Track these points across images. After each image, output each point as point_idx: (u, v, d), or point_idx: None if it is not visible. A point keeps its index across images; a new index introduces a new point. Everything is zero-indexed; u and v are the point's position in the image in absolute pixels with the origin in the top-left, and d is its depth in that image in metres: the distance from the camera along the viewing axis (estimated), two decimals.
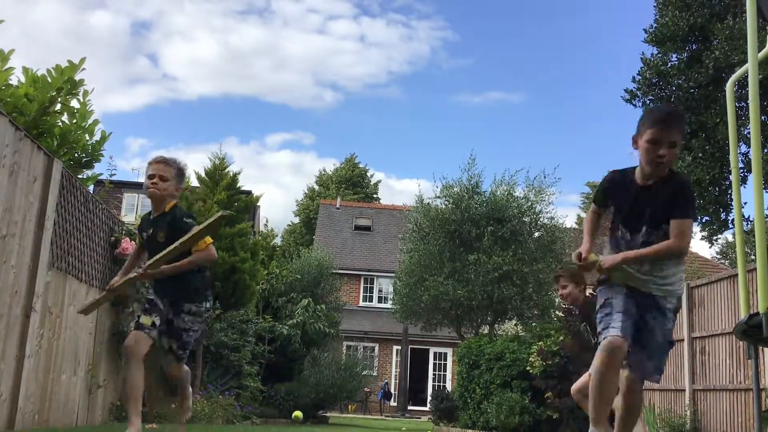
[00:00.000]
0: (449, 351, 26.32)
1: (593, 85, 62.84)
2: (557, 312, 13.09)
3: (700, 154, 13.91)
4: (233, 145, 66.67)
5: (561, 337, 9.75)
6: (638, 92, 14.94)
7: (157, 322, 3.99)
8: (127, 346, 3.90)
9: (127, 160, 73.58)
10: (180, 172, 4.18)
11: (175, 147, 71.42)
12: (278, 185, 69.97)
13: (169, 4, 64.44)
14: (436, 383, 26.81)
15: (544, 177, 14.70)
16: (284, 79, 66.55)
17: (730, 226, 14.84)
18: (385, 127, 68.34)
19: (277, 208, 68.31)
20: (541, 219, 14.65)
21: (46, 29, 58.12)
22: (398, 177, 70.94)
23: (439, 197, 14.87)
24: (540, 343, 10.08)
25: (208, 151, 22.73)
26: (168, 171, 4.10)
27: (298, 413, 7.10)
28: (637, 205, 3.01)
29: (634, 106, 15.12)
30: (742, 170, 13.68)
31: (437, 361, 27.44)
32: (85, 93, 5.84)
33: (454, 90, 65.67)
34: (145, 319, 3.98)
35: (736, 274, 6.91)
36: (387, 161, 72.83)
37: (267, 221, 32.23)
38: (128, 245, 6.82)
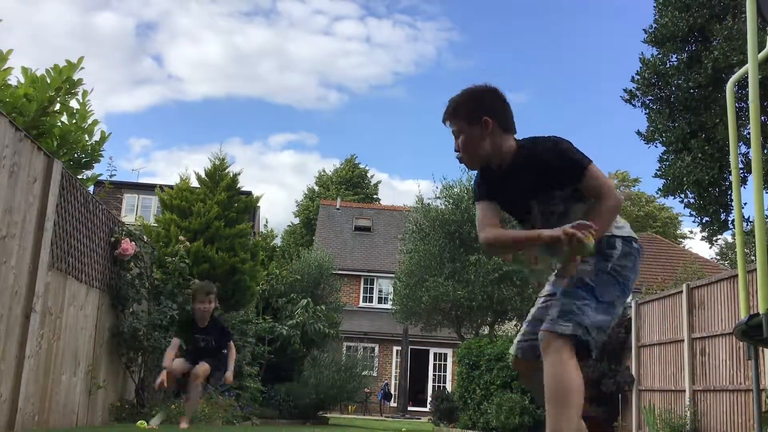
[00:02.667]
0: (449, 352, 26.31)
1: (594, 85, 62.95)
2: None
3: (700, 155, 13.92)
4: (236, 146, 66.75)
5: None
6: (637, 92, 14.95)
7: None
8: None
9: (129, 161, 73.63)
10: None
11: (178, 148, 71.58)
12: (281, 186, 70.07)
13: (175, 5, 64.54)
14: (436, 384, 26.80)
15: None
16: (289, 80, 66.59)
17: (730, 226, 14.84)
18: (389, 128, 68.47)
19: (279, 209, 68.41)
20: None
21: (51, 30, 58.19)
22: (401, 178, 71.05)
23: (439, 197, 14.88)
24: None
25: (211, 151, 22.75)
26: None
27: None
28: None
29: (634, 106, 15.14)
30: (742, 171, 13.69)
31: (437, 362, 27.43)
32: (85, 93, 5.85)
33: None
34: None
35: (736, 275, 6.91)
36: (390, 162, 72.95)
37: (267, 222, 32.22)
38: (128, 246, 6.81)
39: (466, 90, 2.65)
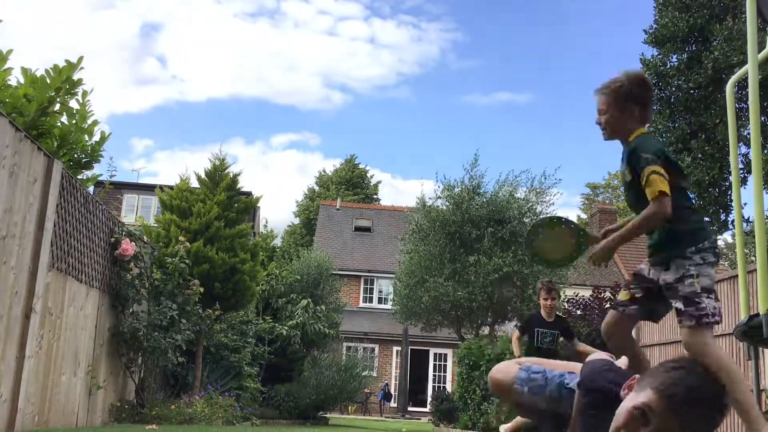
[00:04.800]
0: (449, 352, 26.31)
1: (596, 85, 62.90)
2: (557, 313, 13.07)
3: (700, 155, 13.92)
4: (239, 146, 66.72)
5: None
6: None
7: (638, 293, 3.10)
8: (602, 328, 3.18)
9: (131, 161, 73.59)
10: (616, 93, 3.14)
11: (181, 148, 71.55)
12: (283, 186, 70.05)
13: (179, 5, 64.54)
14: (436, 384, 26.79)
15: (545, 178, 14.69)
16: (293, 80, 66.61)
17: (730, 227, 14.84)
18: (392, 129, 68.48)
19: (281, 209, 68.29)
20: None
21: (55, 31, 58.21)
22: (404, 178, 70.92)
23: (440, 197, 14.87)
24: None
25: (212, 152, 22.71)
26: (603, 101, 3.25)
27: None
28: None
29: None
30: (742, 171, 13.68)
31: (437, 362, 27.43)
32: (84, 93, 5.84)
33: (462, 91, 65.76)
34: (623, 294, 3.16)
35: (736, 275, 6.90)
36: (393, 162, 72.87)
37: (267, 222, 32.18)
38: (128, 246, 6.82)
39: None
